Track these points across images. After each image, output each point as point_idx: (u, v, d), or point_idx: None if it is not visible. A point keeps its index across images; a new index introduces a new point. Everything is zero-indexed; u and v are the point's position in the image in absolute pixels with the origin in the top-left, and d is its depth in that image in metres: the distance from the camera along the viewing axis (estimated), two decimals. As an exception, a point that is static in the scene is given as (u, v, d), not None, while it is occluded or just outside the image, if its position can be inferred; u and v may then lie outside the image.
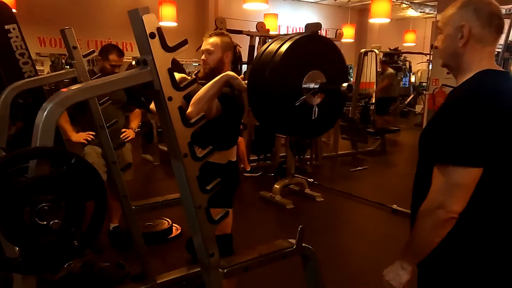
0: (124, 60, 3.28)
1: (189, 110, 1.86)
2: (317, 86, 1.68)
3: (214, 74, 2.00)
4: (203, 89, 1.88)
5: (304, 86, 1.69)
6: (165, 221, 3.77)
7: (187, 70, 5.27)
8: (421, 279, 1.36)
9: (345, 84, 1.66)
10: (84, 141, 3.06)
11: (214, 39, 2.15)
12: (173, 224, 3.76)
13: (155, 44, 1.16)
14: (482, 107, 1.14)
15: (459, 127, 1.14)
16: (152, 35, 1.15)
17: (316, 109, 1.71)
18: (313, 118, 1.70)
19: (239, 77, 1.90)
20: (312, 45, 1.77)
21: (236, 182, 2.32)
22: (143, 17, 1.13)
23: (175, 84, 1.22)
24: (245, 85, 1.88)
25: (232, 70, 2.16)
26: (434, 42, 1.34)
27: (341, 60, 1.85)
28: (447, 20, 1.27)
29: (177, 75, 1.90)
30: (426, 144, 1.28)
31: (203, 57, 2.17)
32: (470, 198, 1.16)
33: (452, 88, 1.36)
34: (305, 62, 1.71)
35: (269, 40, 1.86)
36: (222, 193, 2.13)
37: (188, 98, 1.96)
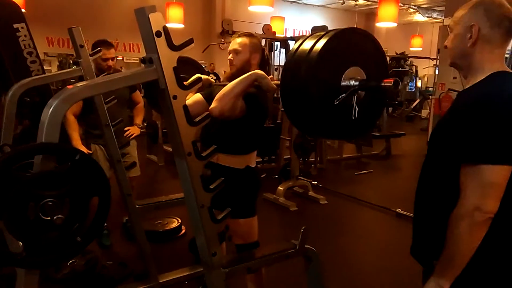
0: (114, 52, 3.29)
1: (213, 105, 1.79)
2: (357, 83, 1.55)
3: (240, 75, 1.91)
4: (230, 85, 1.81)
5: (343, 83, 1.56)
6: (174, 220, 3.79)
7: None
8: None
9: (389, 80, 1.53)
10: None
11: (242, 39, 2.08)
12: (178, 224, 3.77)
13: (161, 42, 1.16)
14: (508, 105, 1.14)
15: (487, 126, 1.13)
16: (158, 34, 1.15)
17: (357, 108, 1.58)
18: (352, 118, 1.58)
19: (269, 77, 1.83)
20: (350, 40, 1.64)
21: (255, 189, 2.18)
22: (149, 15, 1.13)
23: (180, 83, 1.22)
24: (274, 86, 1.81)
25: None
26: (445, 42, 1.34)
27: (382, 54, 1.71)
28: (458, 20, 1.28)
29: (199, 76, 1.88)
30: (443, 144, 1.27)
31: (230, 57, 2.10)
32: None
33: (457, 93, 1.35)
34: (343, 58, 1.58)
35: (298, 38, 1.68)
36: (242, 201, 2.04)
37: (209, 99, 1.90)
